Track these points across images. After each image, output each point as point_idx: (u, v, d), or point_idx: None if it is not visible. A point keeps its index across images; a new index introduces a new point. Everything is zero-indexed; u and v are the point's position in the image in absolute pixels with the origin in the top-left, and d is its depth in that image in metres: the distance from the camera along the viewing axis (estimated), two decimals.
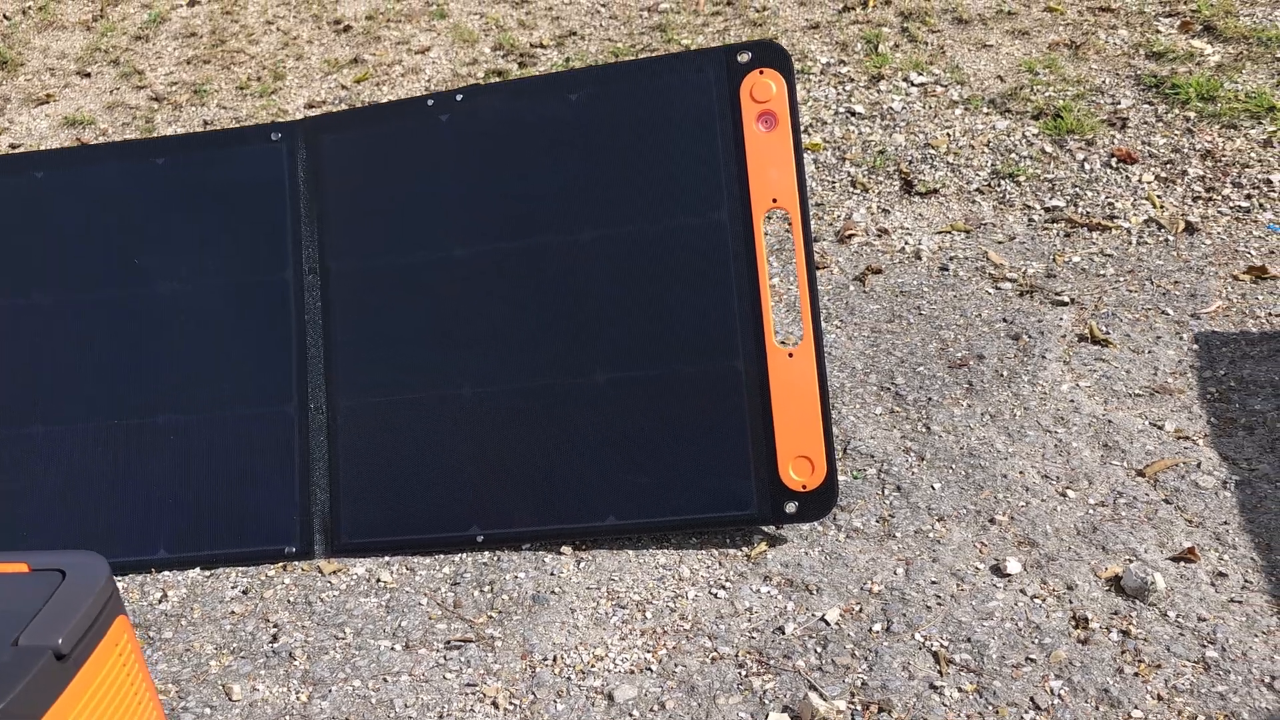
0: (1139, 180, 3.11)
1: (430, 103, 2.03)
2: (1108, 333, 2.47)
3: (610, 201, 1.97)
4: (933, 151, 3.32)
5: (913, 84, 3.64)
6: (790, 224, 1.83)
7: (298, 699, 1.70)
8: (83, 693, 1.30)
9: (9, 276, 2.12)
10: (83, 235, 2.11)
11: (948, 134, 3.38)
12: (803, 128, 3.49)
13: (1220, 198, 2.98)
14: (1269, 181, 2.99)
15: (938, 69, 3.66)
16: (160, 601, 1.94)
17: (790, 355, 1.89)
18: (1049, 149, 3.28)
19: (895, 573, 1.85)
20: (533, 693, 1.67)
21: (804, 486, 1.89)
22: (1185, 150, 3.15)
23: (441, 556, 1.99)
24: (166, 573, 2.02)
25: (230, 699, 1.70)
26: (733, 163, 1.91)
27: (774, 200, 1.89)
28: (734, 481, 1.91)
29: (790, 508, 1.90)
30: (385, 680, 1.72)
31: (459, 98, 2.02)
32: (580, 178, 1.98)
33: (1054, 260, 2.83)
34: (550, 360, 1.97)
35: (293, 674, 1.75)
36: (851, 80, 3.68)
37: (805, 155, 3.36)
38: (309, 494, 2.02)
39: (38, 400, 2.08)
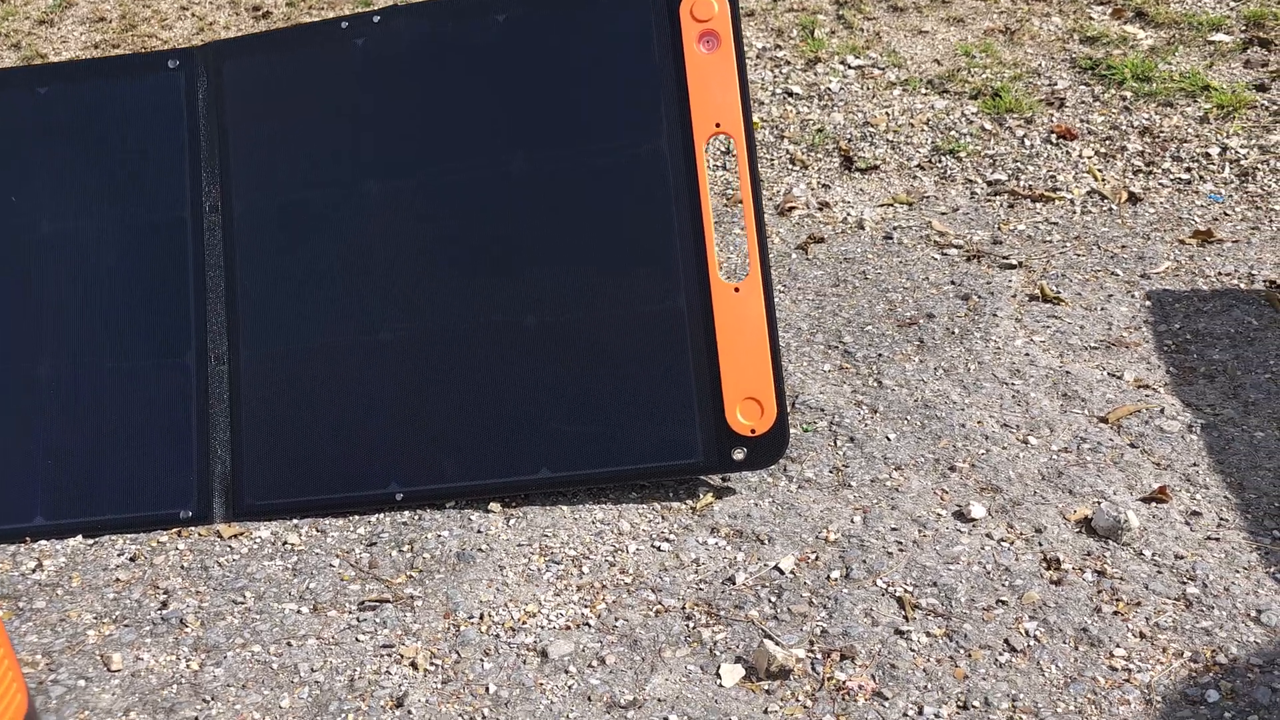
0: (1079, 155, 3.07)
1: (344, 25, 1.87)
2: (1059, 292, 2.39)
3: (540, 131, 1.82)
4: (872, 130, 3.24)
5: (850, 66, 3.57)
6: (735, 150, 1.70)
7: (187, 667, 1.49)
8: None
9: None
10: None
11: (886, 113, 3.32)
12: None
13: (1160, 170, 2.94)
14: (1208, 155, 2.97)
15: (874, 53, 3.60)
16: (34, 571, 1.72)
17: (736, 290, 1.76)
18: (989, 126, 3.23)
19: (852, 521, 1.71)
20: (456, 652, 1.49)
21: (753, 431, 1.75)
22: (1124, 127, 3.12)
23: (356, 518, 1.80)
24: (44, 541, 1.80)
25: (109, 669, 1.50)
26: (672, 86, 1.79)
27: (717, 125, 1.77)
28: (677, 428, 1.76)
29: (738, 454, 1.75)
30: (289, 645, 1.52)
31: (376, 19, 1.87)
32: (507, 105, 1.83)
33: (999, 229, 2.76)
34: (475, 303, 1.81)
35: (183, 641, 1.54)
36: (788, 64, 3.61)
37: None
38: (208, 452, 1.82)
39: None
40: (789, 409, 1.99)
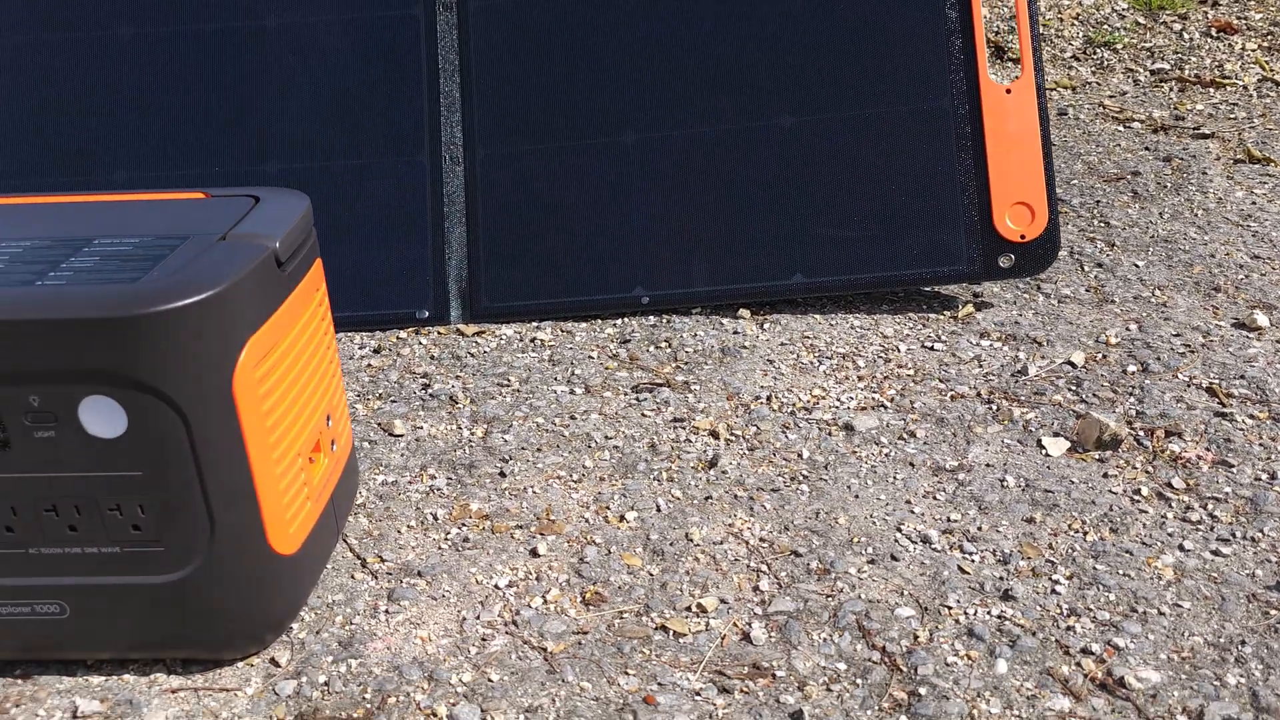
0: (1242, 48, 3.00)
1: None
2: (1266, 154, 2.33)
3: None
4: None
5: None
6: None
7: (472, 434, 1.43)
8: (297, 318, 1.03)
9: (85, 7, 1.83)
10: None
11: None
12: None
13: None
14: None
15: None
16: None
17: (1008, 92, 1.69)
18: (1142, 21, 3.16)
19: (1128, 329, 1.65)
20: (755, 425, 1.43)
21: (1022, 237, 1.69)
22: None
23: (600, 321, 1.74)
24: None
25: (391, 434, 1.43)
26: None
27: None
28: (941, 233, 1.70)
29: (1004, 261, 1.69)
30: (573, 418, 1.46)
31: None
32: None
33: (1176, 108, 2.69)
34: (729, 103, 1.75)
35: (459, 414, 1.48)
36: None
37: None
38: (444, 253, 1.75)
39: (119, 146, 1.79)
40: None
